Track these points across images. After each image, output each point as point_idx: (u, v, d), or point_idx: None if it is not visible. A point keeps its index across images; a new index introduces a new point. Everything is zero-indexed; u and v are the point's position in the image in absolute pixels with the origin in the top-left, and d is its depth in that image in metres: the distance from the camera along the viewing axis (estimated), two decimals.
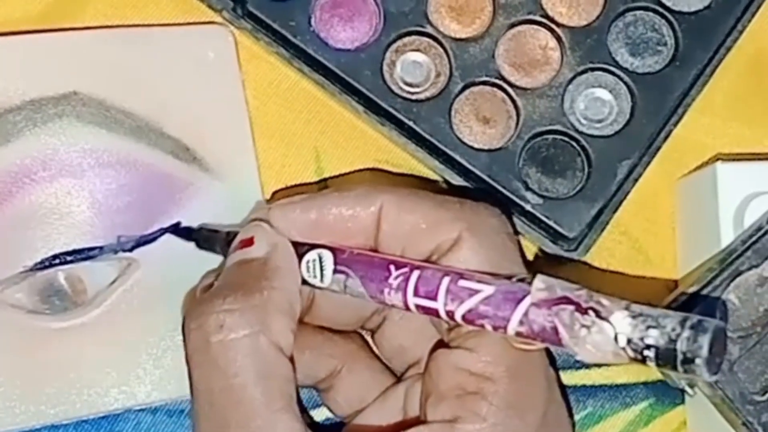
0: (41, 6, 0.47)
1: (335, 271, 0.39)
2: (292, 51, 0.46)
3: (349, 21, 0.46)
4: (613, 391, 0.48)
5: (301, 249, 0.40)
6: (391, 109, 0.46)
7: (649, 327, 0.33)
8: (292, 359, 0.38)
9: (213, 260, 0.43)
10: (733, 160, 0.46)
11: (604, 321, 0.34)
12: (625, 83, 0.46)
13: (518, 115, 0.46)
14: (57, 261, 0.44)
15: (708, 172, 0.46)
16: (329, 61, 0.46)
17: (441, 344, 0.40)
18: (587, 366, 0.48)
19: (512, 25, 0.47)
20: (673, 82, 0.47)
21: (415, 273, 0.38)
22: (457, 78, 0.46)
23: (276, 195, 0.47)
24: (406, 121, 0.46)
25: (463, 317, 0.37)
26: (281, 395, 0.37)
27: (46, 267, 0.43)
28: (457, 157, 0.46)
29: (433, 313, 0.37)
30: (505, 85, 0.46)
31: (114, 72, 0.45)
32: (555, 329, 0.35)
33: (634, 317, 0.34)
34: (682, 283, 0.48)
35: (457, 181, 0.47)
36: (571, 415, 0.43)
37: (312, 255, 0.40)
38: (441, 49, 0.46)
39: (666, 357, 0.33)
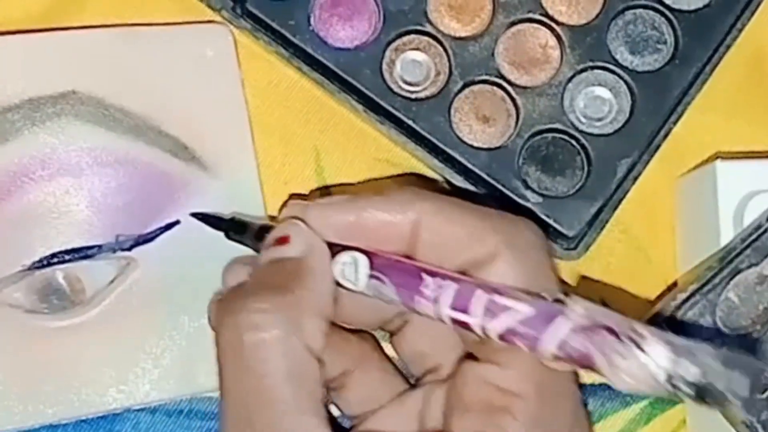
0: (41, 5, 0.47)
1: (370, 276, 0.39)
2: (292, 50, 0.46)
3: (349, 20, 0.46)
4: (613, 390, 0.47)
5: (334, 249, 0.40)
6: (390, 108, 0.46)
7: (689, 363, 0.33)
8: (321, 361, 0.38)
9: (213, 260, 0.43)
10: (733, 158, 0.46)
11: (642, 352, 0.33)
12: (625, 81, 0.46)
13: (518, 113, 0.46)
14: (55, 260, 0.43)
15: (708, 170, 0.46)
16: (329, 60, 0.46)
17: (468, 356, 0.40)
18: None
19: (512, 24, 0.46)
20: (672, 81, 0.46)
21: (452, 285, 0.37)
22: (456, 77, 0.46)
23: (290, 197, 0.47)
24: (405, 119, 0.46)
25: (499, 335, 0.36)
26: (310, 397, 0.37)
27: (44, 266, 0.43)
28: (457, 156, 0.46)
29: (467, 327, 0.37)
30: (505, 84, 0.46)
31: (113, 71, 0.45)
32: (591, 355, 0.34)
33: (674, 351, 0.33)
34: (681, 281, 0.48)
35: (457, 180, 0.47)
36: None
37: (346, 257, 0.39)
38: (440, 48, 0.46)
39: (705, 395, 0.33)
